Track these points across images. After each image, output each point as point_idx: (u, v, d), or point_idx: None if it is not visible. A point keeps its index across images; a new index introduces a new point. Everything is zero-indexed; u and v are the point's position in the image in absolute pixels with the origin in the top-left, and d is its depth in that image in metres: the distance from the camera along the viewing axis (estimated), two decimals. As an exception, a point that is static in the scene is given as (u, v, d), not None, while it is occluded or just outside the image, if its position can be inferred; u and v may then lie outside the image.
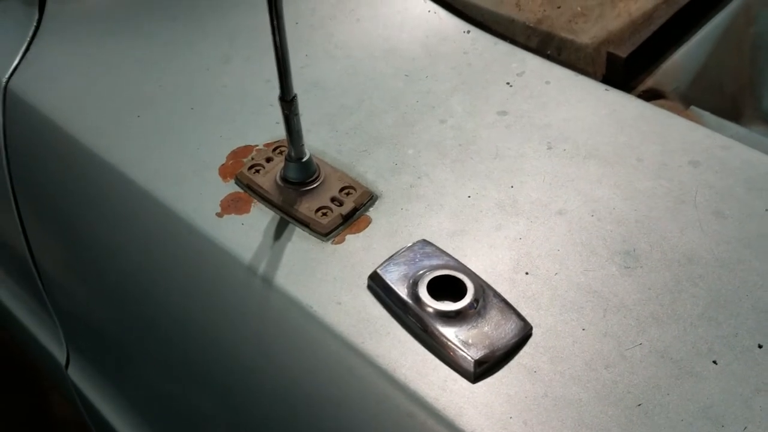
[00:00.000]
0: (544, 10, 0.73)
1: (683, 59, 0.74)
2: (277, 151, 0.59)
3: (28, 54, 0.71)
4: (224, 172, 0.59)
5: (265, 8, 0.74)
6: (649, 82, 0.72)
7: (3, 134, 0.70)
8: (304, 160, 0.55)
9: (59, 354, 0.80)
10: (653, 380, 0.45)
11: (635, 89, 0.70)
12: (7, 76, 0.70)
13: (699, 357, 0.46)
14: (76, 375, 0.78)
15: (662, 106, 0.65)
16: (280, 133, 0.62)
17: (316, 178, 0.56)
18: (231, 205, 0.56)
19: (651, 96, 0.71)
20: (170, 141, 0.62)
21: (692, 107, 0.71)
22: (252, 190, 0.57)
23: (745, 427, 0.42)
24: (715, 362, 0.46)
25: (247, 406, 0.55)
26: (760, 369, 0.45)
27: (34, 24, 0.73)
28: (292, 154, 0.54)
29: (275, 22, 0.47)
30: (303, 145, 0.54)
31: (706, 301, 0.48)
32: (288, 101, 0.51)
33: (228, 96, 0.65)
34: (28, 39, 0.72)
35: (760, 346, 0.46)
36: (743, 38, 0.79)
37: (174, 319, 0.60)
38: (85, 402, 0.77)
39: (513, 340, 0.46)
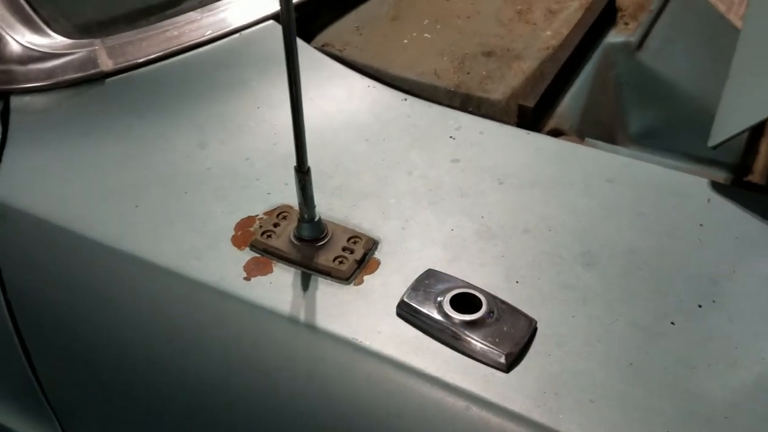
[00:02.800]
0: (458, 77, 0.88)
1: (570, 102, 0.91)
2: (281, 216, 0.67)
3: (2, 165, 0.73)
4: (237, 242, 0.66)
5: (225, 99, 0.83)
6: (552, 124, 0.88)
7: None
8: (317, 219, 0.63)
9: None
10: (634, 343, 0.58)
11: (542, 131, 0.86)
12: (-17, 188, 0.71)
13: (660, 321, 0.60)
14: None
15: (566, 141, 0.82)
16: (273, 201, 0.70)
17: (326, 234, 0.65)
18: (255, 268, 0.63)
19: (555, 134, 0.87)
20: (176, 222, 0.68)
21: (587, 138, 0.89)
22: (269, 252, 0.64)
23: (710, 365, 0.56)
24: (672, 323, 0.60)
25: None
26: (706, 322, 0.60)
27: (-1, 136, 0.75)
28: (306, 215, 0.63)
29: (295, 104, 0.56)
30: (315, 207, 0.63)
31: (653, 280, 0.63)
32: (304, 172, 0.60)
33: (215, 177, 0.72)
34: (-4, 151, 0.74)
35: (699, 306, 0.61)
36: (607, 80, 0.98)
37: (216, 393, 0.62)
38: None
39: (527, 335, 0.58)
